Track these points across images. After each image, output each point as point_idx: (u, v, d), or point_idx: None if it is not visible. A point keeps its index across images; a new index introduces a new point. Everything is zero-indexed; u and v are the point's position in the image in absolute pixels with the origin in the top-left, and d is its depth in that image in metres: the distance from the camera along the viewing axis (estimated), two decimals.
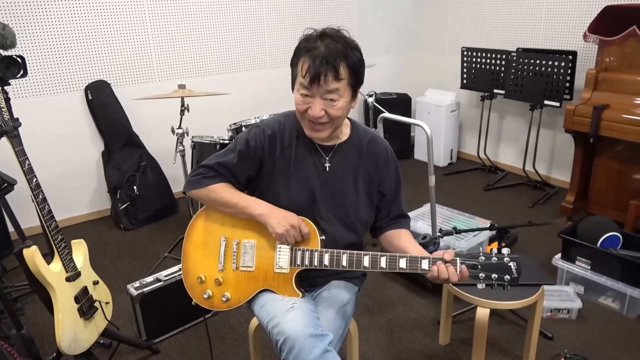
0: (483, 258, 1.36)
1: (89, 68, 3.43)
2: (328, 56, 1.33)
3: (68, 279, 1.85)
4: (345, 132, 1.56)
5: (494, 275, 1.34)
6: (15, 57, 1.86)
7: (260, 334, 1.83)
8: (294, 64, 1.43)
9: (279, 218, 1.45)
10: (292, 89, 1.46)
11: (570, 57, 3.42)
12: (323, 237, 1.48)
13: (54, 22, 3.23)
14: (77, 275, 1.90)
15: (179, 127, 2.91)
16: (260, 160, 1.53)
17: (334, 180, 1.53)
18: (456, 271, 1.34)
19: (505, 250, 1.37)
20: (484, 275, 1.34)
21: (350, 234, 1.57)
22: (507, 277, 1.33)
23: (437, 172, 4.23)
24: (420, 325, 2.40)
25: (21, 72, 1.88)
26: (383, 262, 1.39)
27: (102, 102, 3.47)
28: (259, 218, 1.48)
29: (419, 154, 4.79)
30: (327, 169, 1.53)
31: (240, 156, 1.52)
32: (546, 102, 3.57)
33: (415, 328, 2.38)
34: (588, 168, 3.32)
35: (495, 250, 1.37)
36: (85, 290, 1.93)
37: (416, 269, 1.36)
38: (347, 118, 1.56)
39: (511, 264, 1.34)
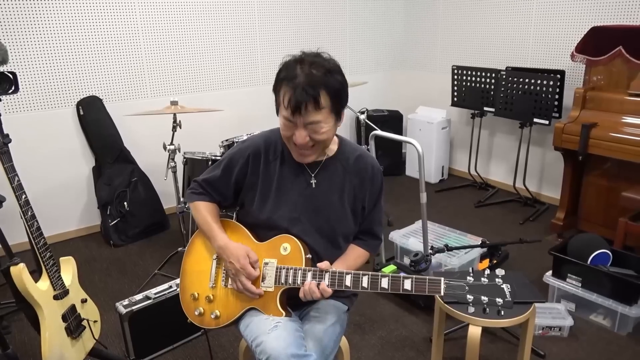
0: (472, 278, 1.27)
1: (81, 84, 3.43)
2: (307, 86, 1.32)
3: (56, 297, 1.82)
4: (332, 149, 1.58)
5: (483, 298, 1.23)
6: (6, 73, 1.85)
7: (250, 354, 1.81)
8: (276, 90, 1.43)
9: (227, 255, 1.49)
10: (277, 112, 1.47)
11: (559, 76, 3.48)
12: (309, 256, 1.48)
13: (46, 38, 3.23)
14: (65, 293, 1.87)
15: (171, 144, 2.90)
16: (244, 174, 1.56)
17: (318, 195, 1.54)
18: (312, 286, 1.38)
19: (498, 271, 1.27)
20: (472, 298, 1.24)
21: (335, 250, 1.58)
22: (499, 300, 1.23)
23: (429, 189, 4.25)
24: (412, 343, 2.38)
25: (12, 88, 1.88)
26: (365, 282, 1.38)
27: (93, 117, 3.46)
28: (218, 250, 1.53)
29: (411, 170, 4.81)
30: (313, 185, 1.54)
31: (224, 171, 1.58)
32: (535, 120, 3.61)
33: (407, 346, 2.36)
34: (577, 185, 3.36)
35: (488, 271, 1.28)
36: (73, 308, 1.90)
37: (398, 289, 1.35)
38: (336, 135, 1.57)
39: (504, 286, 1.24)
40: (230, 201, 1.63)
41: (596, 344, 2.35)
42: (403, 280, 1.34)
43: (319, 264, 1.42)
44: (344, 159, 1.57)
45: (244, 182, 1.57)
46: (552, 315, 2.44)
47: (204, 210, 1.59)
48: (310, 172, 1.54)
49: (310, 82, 1.33)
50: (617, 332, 2.42)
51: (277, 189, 1.53)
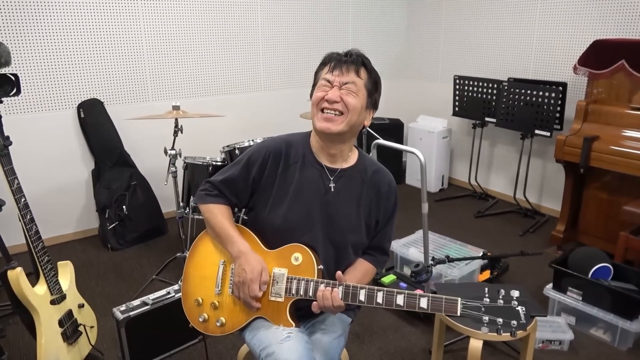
0: (488, 299, 1.26)
1: (82, 86, 3.42)
2: (352, 54, 1.49)
3: (53, 302, 1.81)
4: (352, 158, 1.58)
5: (499, 320, 1.22)
6: (9, 75, 1.84)
7: None
8: (319, 70, 1.53)
9: (242, 265, 1.45)
10: (310, 95, 1.52)
11: (561, 88, 3.48)
12: (321, 267, 1.46)
13: (48, 40, 3.23)
14: (62, 298, 1.86)
15: (172, 148, 2.89)
16: (261, 173, 1.54)
17: (335, 202, 1.52)
18: (332, 293, 1.35)
19: (513, 292, 1.26)
20: (487, 319, 1.24)
21: (343, 260, 1.56)
22: (514, 322, 1.22)
23: (429, 198, 4.24)
24: (411, 354, 2.36)
25: (14, 90, 1.87)
26: (380, 298, 1.35)
27: (94, 120, 3.45)
28: (236, 254, 1.48)
29: (411, 179, 4.81)
30: (332, 189, 1.52)
31: (243, 169, 1.55)
32: (537, 131, 3.61)
33: (406, 357, 2.34)
34: (578, 198, 3.35)
35: (503, 291, 1.27)
36: (69, 313, 1.88)
37: (414, 307, 1.32)
38: (355, 147, 1.60)
39: (519, 308, 1.23)
40: (245, 203, 1.60)
41: (596, 359, 2.33)
42: (419, 299, 1.31)
43: (337, 274, 1.39)
44: (362, 170, 1.57)
45: (260, 183, 1.54)
46: (552, 329, 2.42)
47: (219, 214, 1.55)
48: (330, 176, 1.53)
49: (356, 54, 1.50)
50: (617, 347, 2.40)
51: (294, 193, 1.51)
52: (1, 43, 1.92)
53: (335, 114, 1.44)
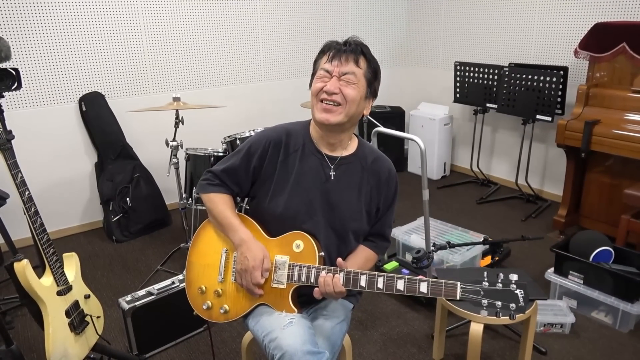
0: (487, 283, 1.28)
1: (83, 79, 3.43)
2: (352, 43, 1.48)
3: (59, 293, 1.83)
4: (352, 146, 1.59)
5: (498, 303, 1.25)
6: (9, 69, 1.85)
7: (253, 349, 1.82)
8: (318, 59, 1.52)
9: (244, 253, 1.47)
10: (310, 85, 1.52)
11: (562, 72, 3.46)
12: (322, 254, 1.48)
13: (48, 34, 3.23)
14: (69, 289, 1.88)
15: (173, 140, 2.90)
16: (262, 163, 1.55)
17: (336, 190, 1.53)
18: (334, 279, 1.37)
19: (512, 276, 1.28)
20: (487, 303, 1.26)
21: (344, 247, 1.57)
22: (512, 305, 1.24)
23: (431, 185, 4.25)
24: (413, 339, 2.39)
25: (15, 85, 1.88)
26: (380, 283, 1.37)
27: (96, 113, 3.46)
28: (238, 242, 1.50)
29: (413, 167, 4.81)
30: (333, 177, 1.53)
31: (244, 158, 1.56)
32: (538, 116, 3.61)
33: (409, 343, 2.37)
34: (580, 182, 3.35)
35: (502, 275, 1.28)
36: (76, 304, 1.91)
37: (414, 292, 1.34)
38: (355, 135, 1.61)
39: (518, 291, 1.25)
40: (246, 192, 1.62)
41: (598, 341, 2.36)
42: (419, 283, 1.33)
43: (337, 260, 1.41)
44: (362, 158, 1.58)
45: (261, 172, 1.55)
46: (553, 312, 2.44)
47: (220, 203, 1.56)
48: (330, 164, 1.54)
49: (355, 43, 1.49)
50: (619, 329, 2.42)
51: (294, 181, 1.52)
52: (1, 37, 1.93)
53: (334, 105, 1.45)
